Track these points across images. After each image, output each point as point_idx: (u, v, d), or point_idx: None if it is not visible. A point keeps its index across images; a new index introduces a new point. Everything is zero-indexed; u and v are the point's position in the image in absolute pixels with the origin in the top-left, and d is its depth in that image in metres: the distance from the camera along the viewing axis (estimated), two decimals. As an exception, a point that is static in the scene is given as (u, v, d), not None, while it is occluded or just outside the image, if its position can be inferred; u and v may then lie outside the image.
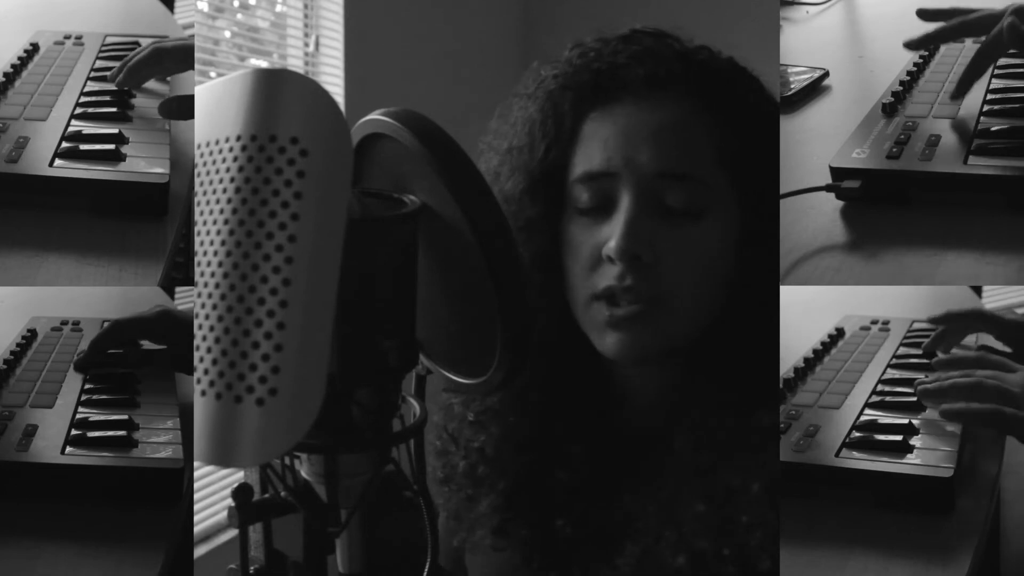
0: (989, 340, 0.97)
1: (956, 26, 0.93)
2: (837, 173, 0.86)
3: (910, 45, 0.97)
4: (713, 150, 0.73)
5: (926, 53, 1.01)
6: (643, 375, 0.78)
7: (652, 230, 0.71)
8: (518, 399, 0.79)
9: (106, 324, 0.96)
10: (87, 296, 1.07)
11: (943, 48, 1.02)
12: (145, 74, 0.96)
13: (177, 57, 0.96)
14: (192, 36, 1.00)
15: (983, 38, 0.90)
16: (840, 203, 0.85)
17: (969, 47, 0.99)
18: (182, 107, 0.93)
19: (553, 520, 0.77)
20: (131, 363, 0.94)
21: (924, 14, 0.97)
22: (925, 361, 0.94)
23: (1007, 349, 0.93)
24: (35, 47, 1.03)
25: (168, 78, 0.98)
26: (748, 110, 0.77)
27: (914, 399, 0.85)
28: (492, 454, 0.80)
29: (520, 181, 0.77)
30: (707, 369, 0.75)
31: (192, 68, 0.98)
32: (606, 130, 0.74)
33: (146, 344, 0.97)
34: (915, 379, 0.87)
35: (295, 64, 2.49)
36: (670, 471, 0.74)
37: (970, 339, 0.98)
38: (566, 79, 0.77)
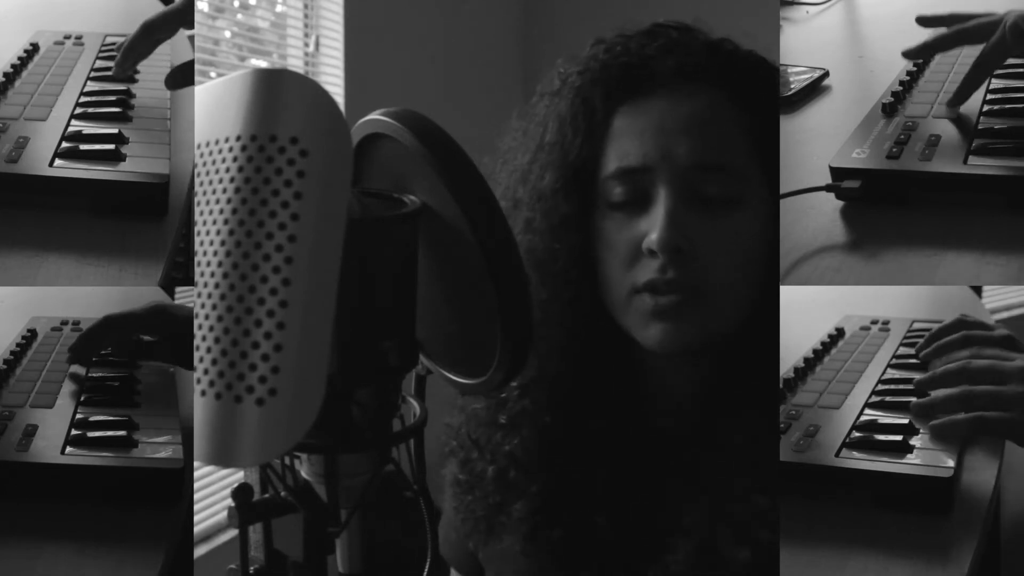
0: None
1: (953, 34, 0.93)
2: (837, 173, 0.86)
3: (909, 54, 0.96)
4: (745, 140, 0.74)
5: (914, 69, 1.01)
6: (677, 370, 0.79)
7: (691, 222, 0.72)
8: (551, 399, 0.79)
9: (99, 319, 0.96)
10: (87, 296, 1.07)
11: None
12: (140, 53, 0.95)
13: (166, 25, 0.95)
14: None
15: (980, 45, 0.90)
16: (840, 203, 0.86)
17: (968, 50, 0.99)
18: (187, 74, 0.93)
19: (590, 519, 0.77)
20: (129, 355, 0.94)
21: (923, 21, 0.97)
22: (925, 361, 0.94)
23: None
24: (35, 47, 1.03)
25: (170, 47, 0.98)
26: (774, 100, 0.77)
27: (914, 399, 0.85)
28: (524, 457, 0.79)
29: (554, 178, 0.77)
30: (745, 362, 0.75)
31: (189, 27, 0.96)
32: (640, 124, 0.74)
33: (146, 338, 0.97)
34: (915, 379, 0.87)
35: (295, 64, 2.49)
36: (719, 465, 0.74)
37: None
38: (594, 74, 0.77)
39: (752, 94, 0.75)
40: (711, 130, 0.73)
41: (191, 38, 0.97)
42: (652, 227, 0.72)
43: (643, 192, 0.73)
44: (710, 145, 0.73)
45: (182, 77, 0.93)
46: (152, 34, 0.94)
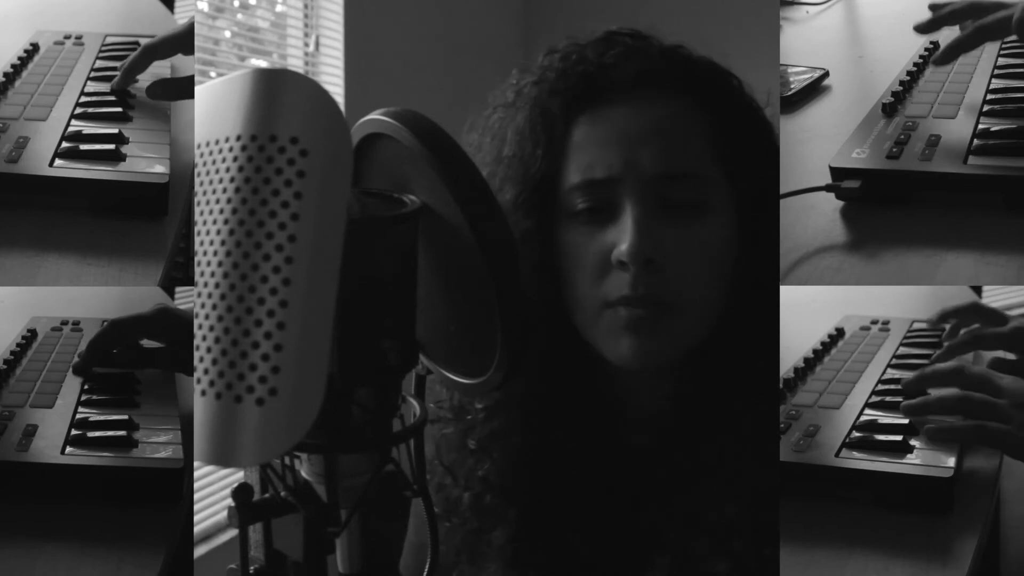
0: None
1: (966, 7, 0.93)
2: (837, 173, 0.86)
3: (920, 28, 0.97)
4: (708, 146, 0.73)
5: (926, 53, 1.01)
6: (647, 385, 0.77)
7: (659, 231, 0.70)
8: (520, 419, 0.77)
9: (104, 324, 0.96)
10: (87, 296, 1.07)
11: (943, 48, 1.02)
12: (137, 72, 0.96)
13: (165, 48, 0.96)
14: (189, 22, 0.99)
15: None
16: (840, 203, 0.86)
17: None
18: (167, 88, 0.93)
19: (570, 541, 0.76)
20: (132, 363, 0.94)
21: (935, 7, 0.97)
22: (926, 361, 0.94)
23: (1010, 355, 0.92)
24: (35, 47, 1.03)
25: (170, 65, 0.98)
26: (734, 104, 0.76)
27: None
28: (499, 481, 0.77)
29: (515, 192, 0.75)
30: (714, 374, 0.74)
31: (188, 52, 0.97)
32: (602, 133, 0.73)
33: (147, 344, 0.97)
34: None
35: (295, 64, 2.49)
36: (693, 479, 0.73)
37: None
38: (552, 84, 0.76)
39: (711, 99, 0.74)
40: (674, 137, 0.72)
41: (182, 35, 0.97)
42: (620, 238, 0.70)
43: (608, 203, 0.72)
44: (674, 152, 0.72)
45: (160, 89, 0.93)
46: (151, 57, 0.96)
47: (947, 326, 0.95)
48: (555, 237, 0.74)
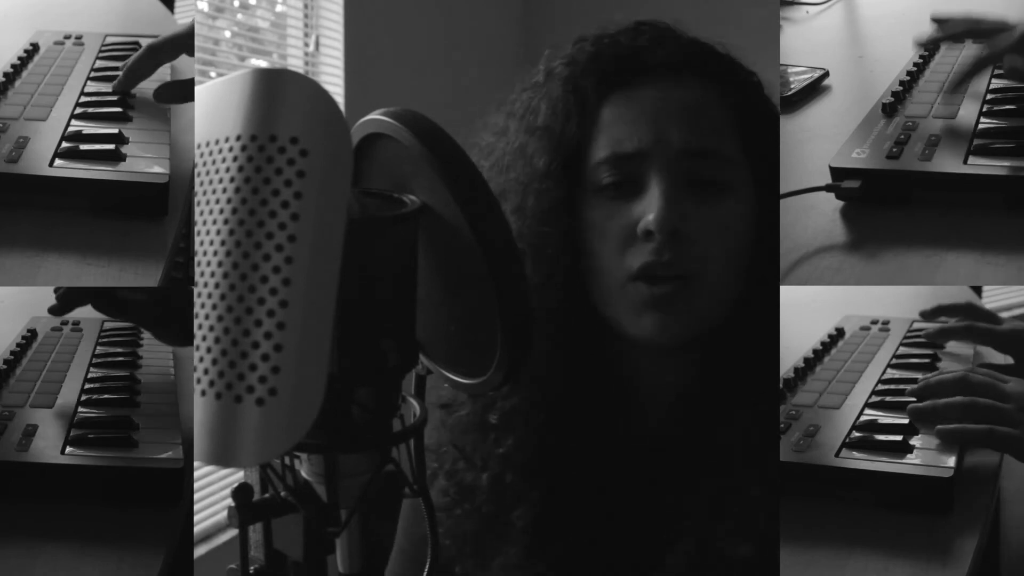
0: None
1: (967, 24, 0.94)
2: (837, 173, 0.86)
3: (921, 42, 0.97)
4: (733, 132, 0.75)
5: (926, 53, 1.01)
6: (661, 368, 0.78)
7: (685, 206, 0.72)
8: (543, 395, 0.78)
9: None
10: (87, 296, 1.07)
11: (943, 48, 1.02)
12: (142, 74, 0.96)
13: (170, 49, 0.96)
14: (190, 23, 0.99)
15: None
16: (840, 203, 0.86)
17: (969, 47, 0.99)
18: (174, 91, 0.93)
19: (590, 529, 0.76)
20: (107, 312, 0.93)
21: (938, 20, 0.98)
22: (926, 361, 0.94)
23: (1007, 359, 0.92)
24: (35, 47, 1.02)
25: (170, 66, 0.98)
26: (756, 99, 0.79)
27: (914, 399, 0.85)
28: (521, 460, 0.77)
29: (547, 160, 0.77)
30: (729, 359, 0.75)
31: (190, 54, 0.97)
32: (632, 111, 0.75)
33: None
34: (915, 379, 0.87)
35: (295, 64, 2.49)
36: (711, 463, 0.74)
37: (966, 348, 0.97)
38: (584, 65, 0.78)
39: (734, 90, 0.77)
40: (702, 117, 0.75)
41: (185, 35, 0.97)
42: (647, 210, 0.72)
43: (634, 179, 0.74)
44: (702, 131, 0.74)
45: (168, 93, 0.93)
46: (155, 57, 0.95)
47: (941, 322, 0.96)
48: (579, 213, 0.76)
